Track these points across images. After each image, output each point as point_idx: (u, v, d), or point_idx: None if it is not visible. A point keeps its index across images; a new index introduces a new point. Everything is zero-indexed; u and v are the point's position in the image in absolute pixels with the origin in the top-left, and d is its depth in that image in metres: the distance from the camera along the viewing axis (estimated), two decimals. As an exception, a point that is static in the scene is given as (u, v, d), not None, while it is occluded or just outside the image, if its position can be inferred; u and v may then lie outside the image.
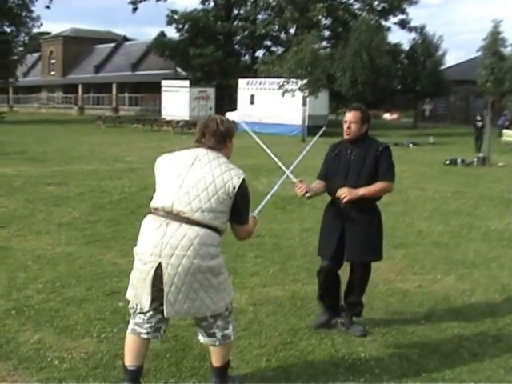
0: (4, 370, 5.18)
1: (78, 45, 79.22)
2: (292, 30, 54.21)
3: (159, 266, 4.39)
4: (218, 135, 4.57)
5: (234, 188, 4.40)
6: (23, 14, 54.35)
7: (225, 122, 4.64)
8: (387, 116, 62.43)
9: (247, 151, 25.65)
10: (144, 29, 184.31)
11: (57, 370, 5.20)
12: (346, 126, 5.92)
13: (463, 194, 15.36)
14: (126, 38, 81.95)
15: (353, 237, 5.90)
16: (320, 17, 52.10)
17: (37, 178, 16.52)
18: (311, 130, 37.09)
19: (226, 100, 53.26)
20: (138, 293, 4.59)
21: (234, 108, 47.87)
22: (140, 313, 4.65)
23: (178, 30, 57.38)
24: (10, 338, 5.81)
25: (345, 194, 5.72)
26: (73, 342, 5.74)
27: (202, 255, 4.38)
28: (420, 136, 38.24)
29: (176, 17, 56.82)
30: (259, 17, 57.95)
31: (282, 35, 58.37)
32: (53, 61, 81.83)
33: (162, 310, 4.50)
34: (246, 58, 60.42)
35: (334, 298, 6.26)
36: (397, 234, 10.74)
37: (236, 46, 59.49)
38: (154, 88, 55.62)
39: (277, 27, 56.19)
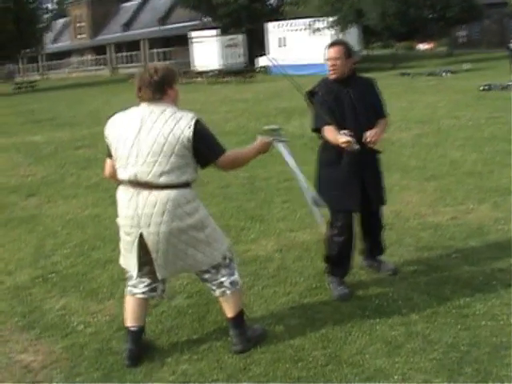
0: (26, 340, 5.17)
1: (103, 5, 78.75)
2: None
3: (141, 236, 4.35)
4: (153, 85, 4.31)
5: (189, 140, 4.20)
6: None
7: (159, 71, 4.35)
8: (421, 46, 61.26)
9: (279, 93, 25.58)
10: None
11: (81, 334, 5.18)
12: (330, 63, 5.45)
13: (498, 120, 14.88)
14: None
15: (374, 182, 5.67)
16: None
17: (66, 142, 16.50)
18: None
19: (256, 45, 52.53)
20: (127, 261, 4.59)
21: (264, 53, 47.30)
22: (136, 276, 4.62)
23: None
24: (35, 308, 5.80)
25: (374, 136, 5.34)
26: (98, 305, 5.71)
27: (179, 216, 4.29)
28: (455, 64, 37.29)
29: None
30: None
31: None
32: (80, 24, 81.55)
33: (155, 272, 4.48)
34: (272, 0, 59.30)
35: (351, 259, 5.80)
36: (429, 165, 10.50)
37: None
38: (184, 41, 55.15)
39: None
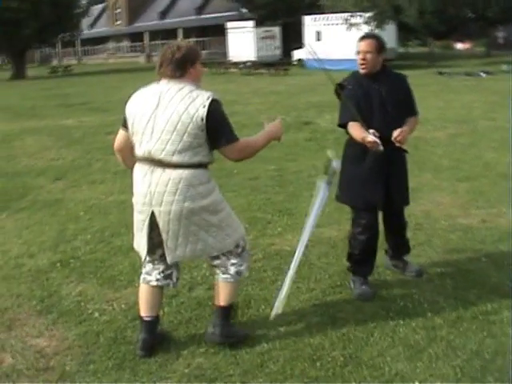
0: (43, 324, 5.11)
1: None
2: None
3: (153, 215, 4.26)
4: (174, 62, 4.20)
5: (203, 119, 4.06)
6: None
7: (182, 48, 4.24)
8: (459, 46, 60.52)
9: (313, 87, 25.37)
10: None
11: (96, 322, 5.09)
12: (360, 57, 5.24)
13: (535, 122, 14.59)
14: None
15: (398, 181, 5.47)
16: None
17: (97, 127, 16.48)
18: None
19: (292, 38, 52.24)
20: (138, 241, 4.49)
21: (300, 46, 47.08)
22: (149, 261, 4.54)
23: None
24: (53, 292, 5.74)
25: (402, 135, 5.10)
26: (115, 293, 5.61)
27: (192, 197, 4.18)
28: (493, 64, 36.74)
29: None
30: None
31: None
32: (117, 10, 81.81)
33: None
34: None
35: (375, 258, 5.62)
36: (462, 166, 10.28)
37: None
38: (220, 31, 55.04)
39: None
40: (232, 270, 4.48)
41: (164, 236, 4.29)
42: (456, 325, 4.80)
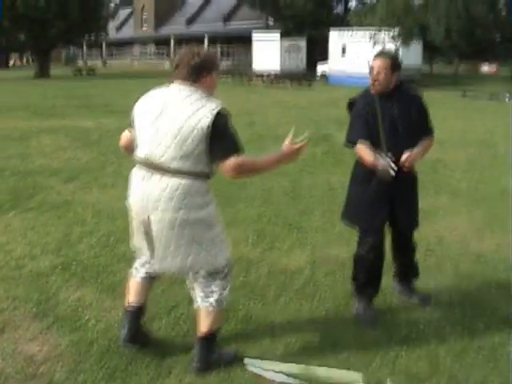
0: (37, 328, 5.00)
1: (168, -2, 79.32)
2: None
3: (148, 220, 4.13)
4: (191, 67, 4.08)
5: (208, 127, 3.91)
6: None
7: (202, 54, 4.12)
8: (485, 68, 60.17)
9: (335, 102, 25.24)
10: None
11: (91, 330, 4.97)
12: (372, 76, 5.05)
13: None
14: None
15: (405, 204, 5.27)
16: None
17: (115, 130, 16.32)
18: (405, 82, 36.14)
19: (318, 51, 52.21)
20: (135, 242, 4.46)
21: (325, 59, 47.04)
22: (141, 256, 4.54)
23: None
24: (51, 295, 5.64)
25: (410, 159, 4.93)
26: (114, 301, 5.48)
27: (188, 206, 4.03)
28: (519, 89, 36.53)
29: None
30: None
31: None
32: (145, 15, 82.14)
33: None
34: (339, 8, 58.97)
35: (380, 281, 5.45)
36: (479, 190, 10.09)
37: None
38: (246, 40, 55.06)
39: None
40: (214, 296, 4.30)
41: (156, 244, 4.17)
42: (461, 356, 4.62)
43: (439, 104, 25.46)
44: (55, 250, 6.82)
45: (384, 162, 4.81)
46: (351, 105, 5.31)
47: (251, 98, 28.11)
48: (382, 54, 5.19)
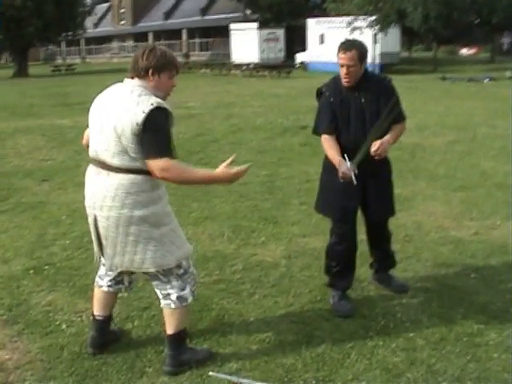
0: (7, 335, 4.88)
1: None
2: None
3: (96, 218, 4.08)
4: (138, 66, 3.99)
5: (138, 124, 3.79)
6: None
7: (151, 55, 3.99)
8: (464, 51, 60.29)
9: (313, 91, 24.93)
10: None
11: (62, 334, 4.86)
12: (343, 71, 4.94)
13: (537, 131, 14.34)
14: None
15: (378, 191, 5.17)
16: None
17: (91, 128, 16.25)
18: (384, 67, 36.15)
19: (296, 41, 52.07)
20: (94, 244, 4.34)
21: (304, 49, 46.95)
22: (103, 264, 4.45)
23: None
24: (22, 300, 5.52)
25: (382, 148, 4.78)
26: (85, 304, 5.36)
27: (131, 204, 3.94)
28: (497, 71, 36.45)
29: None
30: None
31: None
32: (122, 10, 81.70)
33: None
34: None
35: (353, 271, 5.38)
36: (458, 175, 10.04)
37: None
38: (224, 32, 54.89)
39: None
40: (173, 295, 4.21)
41: (104, 242, 4.13)
42: (438, 347, 4.55)
43: (418, 89, 25.49)
44: (28, 253, 6.70)
45: (346, 170, 4.73)
46: (320, 93, 5.22)
47: (230, 90, 27.96)
48: (347, 45, 4.98)
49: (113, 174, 3.93)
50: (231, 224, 7.54)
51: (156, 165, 3.80)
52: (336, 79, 5.10)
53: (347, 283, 5.30)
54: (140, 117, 3.77)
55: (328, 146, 4.98)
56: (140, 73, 3.99)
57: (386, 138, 4.88)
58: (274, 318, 5.05)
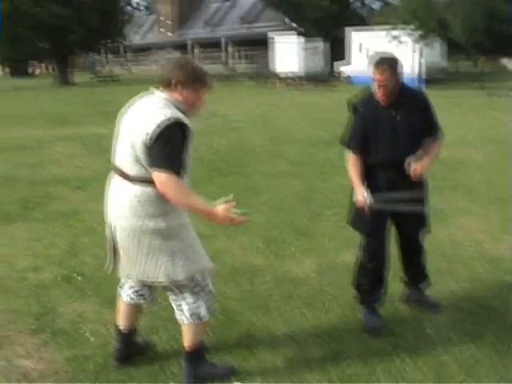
0: (34, 344, 4.90)
1: (189, 2, 79.32)
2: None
3: (114, 227, 4.12)
4: (167, 78, 3.98)
5: (149, 135, 3.75)
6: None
7: (181, 69, 3.97)
8: (505, 61, 59.48)
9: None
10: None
11: (89, 345, 4.87)
12: (380, 91, 4.84)
13: None
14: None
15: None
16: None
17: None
18: (428, 82, 35.78)
19: (340, 53, 51.90)
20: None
21: (347, 61, 46.74)
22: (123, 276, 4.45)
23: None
24: (50, 309, 5.54)
25: (420, 170, 4.77)
26: (112, 314, 5.24)
27: (143, 215, 3.92)
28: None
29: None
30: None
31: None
32: (165, 20, 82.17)
33: None
34: (356, 6, 58.42)
35: (384, 287, 5.25)
36: (496, 188, 9.84)
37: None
38: (266, 43, 54.91)
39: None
40: (187, 311, 4.17)
41: (121, 251, 4.15)
42: (469, 368, 4.43)
43: (461, 103, 25.18)
44: (59, 262, 6.73)
45: (361, 197, 4.83)
46: (354, 108, 5.15)
47: (272, 101, 27.90)
48: (382, 62, 4.85)
49: (129, 184, 3.93)
50: (263, 236, 7.49)
51: (157, 177, 3.77)
52: (371, 94, 5.01)
53: (377, 299, 5.21)
54: (152, 128, 3.75)
55: (352, 164, 4.99)
56: (168, 85, 3.98)
57: (426, 160, 4.83)
58: (302, 333, 4.98)
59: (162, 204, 3.91)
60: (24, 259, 6.85)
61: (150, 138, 3.74)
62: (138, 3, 60.34)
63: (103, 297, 5.74)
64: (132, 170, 3.91)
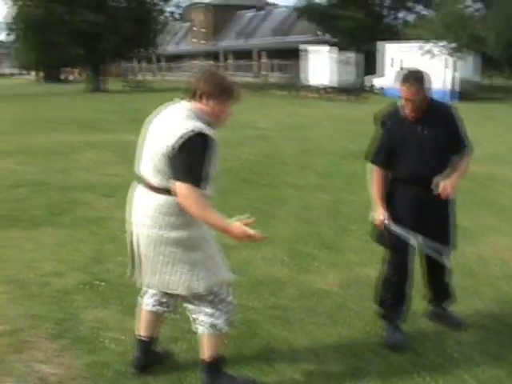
0: (53, 350, 4.89)
1: (223, 12, 79.61)
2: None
3: (136, 234, 4.14)
4: (194, 89, 3.98)
5: (172, 146, 3.77)
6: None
7: (208, 80, 3.97)
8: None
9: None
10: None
11: (108, 352, 4.85)
12: (408, 106, 4.80)
13: None
14: (269, 4, 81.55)
15: (437, 222, 5.03)
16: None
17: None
18: (462, 95, 35.54)
19: (373, 65, 51.75)
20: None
21: (380, 73, 46.56)
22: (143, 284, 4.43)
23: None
24: (71, 315, 5.54)
25: (450, 189, 4.74)
26: (133, 322, 5.24)
27: (163, 225, 3.94)
28: None
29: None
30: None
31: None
32: (201, 29, 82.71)
33: None
34: (390, 20, 58.19)
35: (406, 303, 5.18)
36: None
37: (378, 8, 57.29)
38: (299, 54, 54.96)
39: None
40: (206, 321, 4.14)
41: (143, 259, 4.16)
42: (491, 386, 4.36)
43: (495, 117, 24.98)
44: (83, 268, 6.74)
45: (381, 217, 4.94)
46: (380, 120, 5.10)
47: (303, 112, 27.90)
48: (409, 77, 4.81)
49: (152, 193, 3.95)
50: (288, 248, 7.44)
51: (178, 188, 3.78)
52: (398, 108, 4.96)
53: (400, 315, 5.14)
54: (175, 140, 3.76)
55: (375, 181, 5.04)
56: (195, 96, 3.98)
57: (454, 178, 4.81)
58: (322, 348, 4.93)
59: (184, 215, 3.89)
60: (48, 264, 6.87)
61: (173, 149, 3.76)
62: (172, 12, 60.30)
63: (125, 304, 5.73)
64: (155, 179, 3.93)
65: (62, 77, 77.70)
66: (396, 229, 4.88)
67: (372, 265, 6.70)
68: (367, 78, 47.58)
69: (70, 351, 4.86)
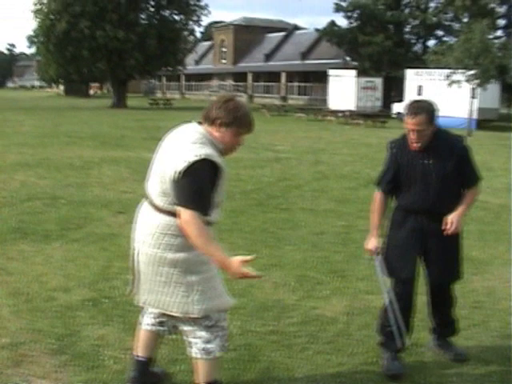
0: (52, 365, 4.90)
1: (248, 33, 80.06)
2: (465, 19, 51.74)
3: (137, 252, 4.17)
4: (208, 113, 4.02)
5: (178, 171, 3.78)
6: (192, 2, 55.46)
7: (223, 107, 3.98)
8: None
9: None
10: (315, 18, 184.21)
11: (107, 370, 4.84)
12: (411, 136, 4.81)
13: None
14: (296, 27, 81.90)
15: (441, 252, 4.99)
16: (493, 4, 49.25)
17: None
18: (480, 123, 35.42)
19: (394, 91, 51.76)
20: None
21: (401, 99, 46.53)
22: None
23: (347, 18, 56.21)
24: (73, 332, 5.54)
25: (455, 226, 4.76)
26: (134, 341, 5.30)
27: (164, 246, 3.98)
28: None
29: (343, 4, 55.67)
30: (431, 5, 55.70)
31: (455, 24, 55.83)
32: (224, 49, 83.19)
33: None
34: (417, 47, 58.26)
35: (407, 333, 5.10)
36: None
37: (406, 36, 57.42)
38: (323, 77, 55.07)
39: (449, 16, 53.81)
40: (199, 345, 4.12)
41: (142, 276, 4.17)
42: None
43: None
44: (90, 284, 6.75)
45: (373, 248, 5.10)
46: (389, 148, 5.14)
47: (322, 136, 27.90)
48: (415, 109, 4.80)
49: (156, 213, 3.99)
50: (297, 274, 7.40)
51: (181, 214, 3.79)
52: (406, 137, 4.95)
53: (400, 344, 5.07)
54: (181, 165, 3.78)
55: (375, 206, 5.15)
56: (209, 120, 4.00)
57: (459, 211, 4.81)
58: (323, 377, 4.88)
59: (184, 238, 3.88)
60: (55, 279, 6.89)
61: (179, 173, 3.77)
62: (192, 29, 60.80)
63: (128, 322, 5.72)
64: (160, 200, 3.97)
65: (85, 91, 78.34)
66: (377, 263, 4.98)
67: (380, 294, 6.64)
68: (394, 106, 47.46)
69: (68, 367, 4.85)
